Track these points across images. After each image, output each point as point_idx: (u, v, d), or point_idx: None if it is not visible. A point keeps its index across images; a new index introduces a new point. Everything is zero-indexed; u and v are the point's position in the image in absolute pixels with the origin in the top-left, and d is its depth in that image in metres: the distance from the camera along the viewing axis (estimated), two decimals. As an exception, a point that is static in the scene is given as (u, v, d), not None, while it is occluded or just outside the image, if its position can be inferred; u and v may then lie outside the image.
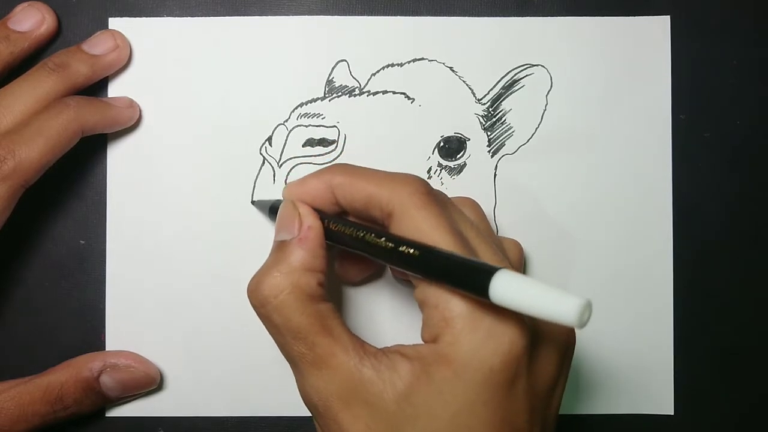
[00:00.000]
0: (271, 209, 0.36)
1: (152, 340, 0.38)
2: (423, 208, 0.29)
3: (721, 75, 0.39)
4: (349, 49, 0.39)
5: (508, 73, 0.39)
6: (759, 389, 0.39)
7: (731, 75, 0.39)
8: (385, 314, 0.38)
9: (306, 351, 0.29)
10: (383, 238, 0.29)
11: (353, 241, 0.31)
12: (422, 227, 0.29)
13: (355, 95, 0.39)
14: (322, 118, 0.38)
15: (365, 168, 0.32)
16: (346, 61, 0.39)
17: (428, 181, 0.38)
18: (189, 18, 0.39)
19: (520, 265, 0.35)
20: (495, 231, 0.38)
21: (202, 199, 0.38)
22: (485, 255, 0.30)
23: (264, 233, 0.38)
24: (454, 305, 0.27)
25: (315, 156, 0.38)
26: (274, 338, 0.31)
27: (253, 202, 0.38)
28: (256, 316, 0.38)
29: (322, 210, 0.32)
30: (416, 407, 0.28)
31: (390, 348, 0.29)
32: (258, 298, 0.30)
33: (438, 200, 0.30)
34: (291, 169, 0.38)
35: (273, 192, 0.38)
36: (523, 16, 0.39)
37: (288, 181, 0.38)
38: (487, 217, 0.38)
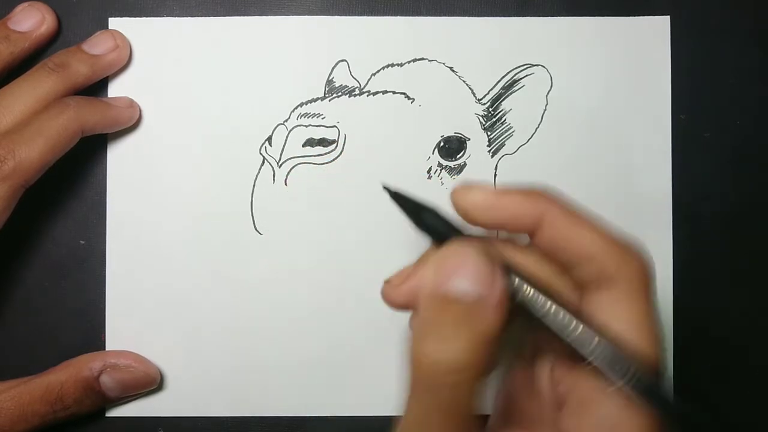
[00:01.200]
0: (421, 218, 0.28)
1: (152, 340, 0.38)
2: (649, 298, 0.25)
3: (721, 75, 0.39)
4: (349, 49, 0.39)
5: (508, 73, 0.39)
6: (759, 389, 0.39)
7: (731, 75, 0.39)
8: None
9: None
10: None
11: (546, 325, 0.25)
12: (643, 323, 0.25)
13: (355, 95, 0.39)
14: (322, 118, 0.38)
15: (586, 215, 0.26)
16: (346, 61, 0.39)
17: (428, 181, 0.38)
18: (189, 18, 0.39)
19: None
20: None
21: (202, 198, 0.38)
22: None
23: (264, 233, 0.38)
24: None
25: (315, 156, 0.38)
26: (414, 401, 0.25)
27: (392, 193, 0.29)
28: (256, 316, 0.38)
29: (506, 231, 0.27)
30: None
31: None
32: (434, 364, 0.24)
33: (654, 287, 0.26)
34: (291, 169, 0.38)
35: (273, 192, 0.38)
36: (523, 16, 0.39)
37: (288, 182, 0.38)
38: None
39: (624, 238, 0.26)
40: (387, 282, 0.28)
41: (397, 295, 0.27)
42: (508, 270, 0.26)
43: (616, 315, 0.25)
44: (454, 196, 0.27)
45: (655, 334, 0.25)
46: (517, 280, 0.25)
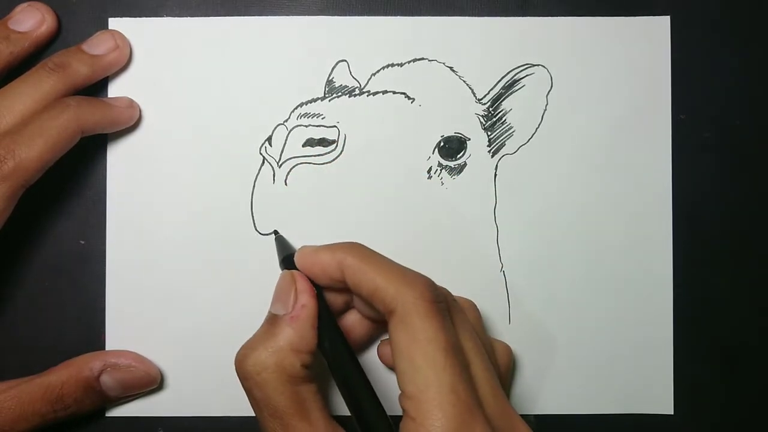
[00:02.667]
0: (285, 260, 0.35)
1: (152, 340, 0.38)
2: (424, 317, 0.29)
3: (721, 75, 0.39)
4: (349, 49, 0.39)
5: (508, 73, 0.39)
6: (759, 389, 0.39)
7: (731, 75, 0.39)
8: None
9: (280, 431, 0.30)
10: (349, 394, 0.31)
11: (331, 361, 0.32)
12: (419, 337, 0.29)
13: (355, 95, 0.39)
14: (322, 118, 0.38)
15: (379, 256, 0.32)
16: (346, 61, 0.39)
17: (428, 181, 0.38)
18: (189, 18, 0.39)
19: (508, 370, 0.36)
20: (495, 231, 0.39)
21: (202, 198, 0.38)
22: (477, 370, 0.30)
23: (264, 233, 0.38)
24: (431, 424, 0.28)
25: (315, 156, 0.38)
26: (253, 410, 0.31)
27: (276, 233, 0.37)
28: (256, 316, 0.38)
29: (328, 286, 0.33)
30: None
31: None
32: (242, 372, 0.31)
33: (441, 309, 0.30)
34: (291, 169, 0.38)
35: (273, 192, 0.38)
36: (523, 16, 0.39)
37: (288, 182, 0.38)
38: (488, 217, 0.39)
39: (408, 272, 0.31)
40: None
41: None
42: (316, 297, 0.32)
43: (400, 337, 0.29)
44: (296, 257, 0.33)
45: (442, 350, 0.29)
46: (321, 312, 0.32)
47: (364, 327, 0.36)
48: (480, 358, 0.31)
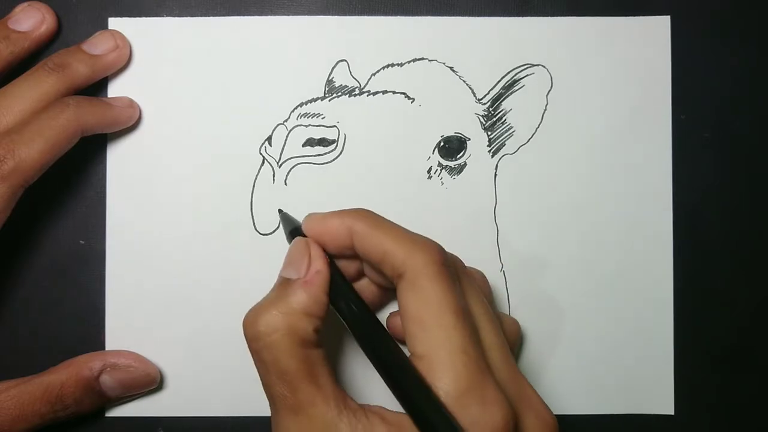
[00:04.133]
0: (292, 232, 0.34)
1: (152, 340, 0.38)
2: (434, 279, 0.29)
3: (721, 75, 0.39)
4: (349, 49, 0.39)
5: (508, 73, 0.39)
6: (759, 389, 0.39)
7: (731, 75, 0.39)
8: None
9: (288, 394, 0.29)
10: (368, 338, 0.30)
11: (346, 318, 0.31)
12: (429, 300, 0.29)
13: (355, 95, 0.39)
14: (322, 118, 0.38)
15: (387, 222, 0.31)
16: (346, 61, 0.39)
17: (428, 181, 0.38)
18: (189, 18, 0.39)
19: (515, 347, 0.36)
20: (496, 232, 0.39)
21: (202, 198, 0.38)
22: (487, 335, 0.30)
23: (264, 233, 0.38)
24: (442, 384, 0.28)
25: (315, 156, 0.38)
26: (259, 373, 0.31)
27: (280, 211, 0.36)
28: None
29: (337, 253, 0.32)
30: None
31: (372, 408, 0.29)
32: (252, 332, 0.30)
33: (451, 273, 0.30)
34: (291, 169, 0.38)
35: (273, 192, 0.38)
36: (523, 16, 0.39)
37: (288, 181, 0.38)
38: (488, 217, 0.39)
39: (415, 236, 0.31)
40: None
41: None
42: (329, 264, 0.32)
43: (409, 300, 0.29)
44: (303, 224, 0.33)
45: (452, 313, 0.29)
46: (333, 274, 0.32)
47: (375, 294, 0.35)
48: (490, 325, 0.31)
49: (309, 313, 0.30)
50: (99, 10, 0.39)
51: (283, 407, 0.29)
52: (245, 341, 0.31)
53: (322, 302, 0.31)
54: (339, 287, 0.31)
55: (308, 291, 0.30)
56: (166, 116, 0.38)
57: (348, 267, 0.33)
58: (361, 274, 0.34)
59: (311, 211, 0.38)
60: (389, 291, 0.35)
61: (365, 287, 0.35)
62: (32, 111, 0.35)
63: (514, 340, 0.35)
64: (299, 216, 0.39)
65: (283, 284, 0.31)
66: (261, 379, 0.31)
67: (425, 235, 0.31)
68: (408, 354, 0.29)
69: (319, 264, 0.31)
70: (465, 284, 0.31)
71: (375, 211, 0.32)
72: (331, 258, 0.32)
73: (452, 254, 0.32)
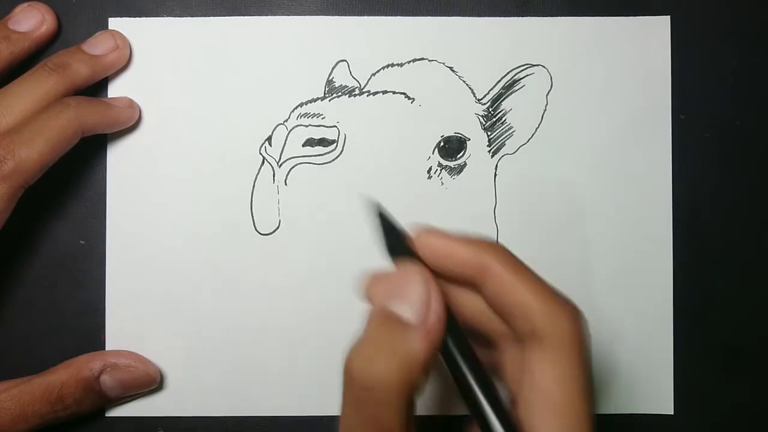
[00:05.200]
0: (397, 244, 0.29)
1: (152, 340, 0.38)
2: (578, 357, 0.26)
3: (721, 75, 0.39)
4: (349, 49, 0.39)
5: (508, 73, 0.39)
6: (759, 389, 0.39)
7: (731, 75, 0.39)
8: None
9: None
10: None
11: (456, 377, 0.27)
12: (567, 380, 0.26)
13: (355, 95, 0.39)
14: (322, 118, 0.38)
15: (526, 268, 0.27)
16: (346, 61, 0.39)
17: (428, 181, 0.38)
18: (189, 18, 0.39)
19: None
20: (496, 232, 0.39)
21: (202, 198, 0.38)
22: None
23: (264, 233, 0.38)
24: None
25: (315, 156, 0.38)
26: (347, 413, 0.26)
27: (379, 208, 0.30)
28: (256, 316, 0.38)
29: (450, 279, 0.28)
30: None
31: None
32: (363, 380, 0.26)
33: (588, 351, 0.27)
34: (291, 169, 0.38)
35: (273, 192, 0.38)
36: (523, 16, 0.39)
37: (288, 181, 0.38)
38: (488, 217, 0.39)
39: (561, 297, 0.27)
40: (362, 278, 0.29)
41: (363, 296, 0.29)
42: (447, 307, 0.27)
43: (544, 370, 0.26)
44: (416, 237, 0.28)
45: (583, 394, 0.26)
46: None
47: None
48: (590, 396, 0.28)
49: (426, 368, 0.26)
50: (99, 10, 0.39)
51: None
52: (343, 380, 0.26)
53: (436, 355, 0.27)
54: (452, 332, 0.27)
55: (429, 342, 0.26)
56: (166, 116, 0.38)
57: None
58: None
59: (311, 211, 0.38)
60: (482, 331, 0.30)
61: None
62: (32, 111, 0.35)
63: None
64: (299, 216, 0.39)
65: (396, 324, 0.26)
66: (345, 422, 0.27)
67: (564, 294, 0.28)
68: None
69: (441, 308, 0.27)
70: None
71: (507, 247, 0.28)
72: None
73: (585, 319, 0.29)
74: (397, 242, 0.29)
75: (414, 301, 0.27)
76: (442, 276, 0.28)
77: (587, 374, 0.26)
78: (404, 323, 0.26)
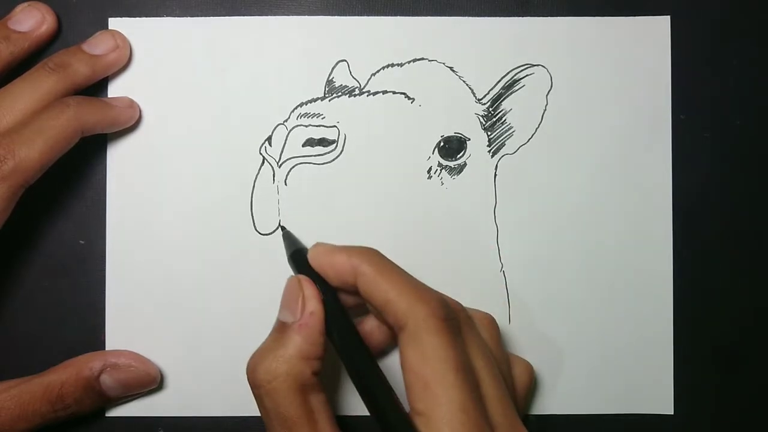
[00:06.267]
0: (293, 255, 0.35)
1: (152, 340, 0.38)
2: (435, 334, 0.29)
3: (721, 75, 0.39)
4: (349, 49, 0.39)
5: (508, 73, 0.39)
6: (759, 389, 0.39)
7: (731, 75, 0.39)
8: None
9: None
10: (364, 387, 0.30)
11: (340, 351, 0.31)
12: (430, 356, 0.29)
13: (355, 95, 0.39)
14: (322, 118, 0.38)
15: (394, 267, 0.31)
16: (346, 61, 0.39)
17: (428, 181, 0.38)
18: (189, 18, 0.39)
19: (526, 388, 0.35)
20: (495, 232, 0.38)
21: (202, 198, 0.38)
22: (488, 388, 0.30)
23: (264, 233, 0.38)
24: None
25: (315, 156, 0.38)
26: (264, 420, 0.31)
27: (283, 228, 0.37)
28: (256, 316, 0.38)
29: (341, 287, 0.32)
30: None
31: None
32: (253, 380, 0.31)
33: (452, 327, 0.30)
34: (291, 169, 0.38)
35: (273, 192, 0.38)
36: (523, 16, 0.39)
37: (288, 181, 0.38)
38: (488, 217, 0.39)
39: (420, 288, 0.31)
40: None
41: None
42: (325, 301, 0.32)
43: (408, 352, 0.29)
44: (309, 254, 0.33)
45: (449, 367, 0.29)
46: (329, 313, 0.32)
47: (383, 333, 0.35)
48: (491, 376, 0.30)
49: (306, 356, 0.30)
50: (99, 10, 0.39)
51: None
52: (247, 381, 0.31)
53: (319, 343, 0.31)
54: (335, 319, 0.32)
55: (303, 334, 0.31)
56: (166, 116, 0.38)
57: (348, 299, 0.33)
58: (366, 308, 0.34)
59: (311, 211, 0.38)
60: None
61: (374, 325, 0.35)
62: (32, 111, 0.35)
63: (524, 384, 0.35)
64: (299, 216, 0.39)
65: (280, 328, 0.32)
66: (265, 423, 0.31)
67: (427, 284, 0.31)
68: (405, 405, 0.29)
69: (313, 305, 0.31)
70: (467, 337, 0.31)
71: (380, 251, 0.32)
72: (334, 291, 0.32)
73: (455, 303, 0.32)
74: (293, 252, 0.34)
75: (292, 305, 0.31)
76: (341, 288, 0.32)
77: (453, 348, 0.29)
78: (286, 326, 0.31)
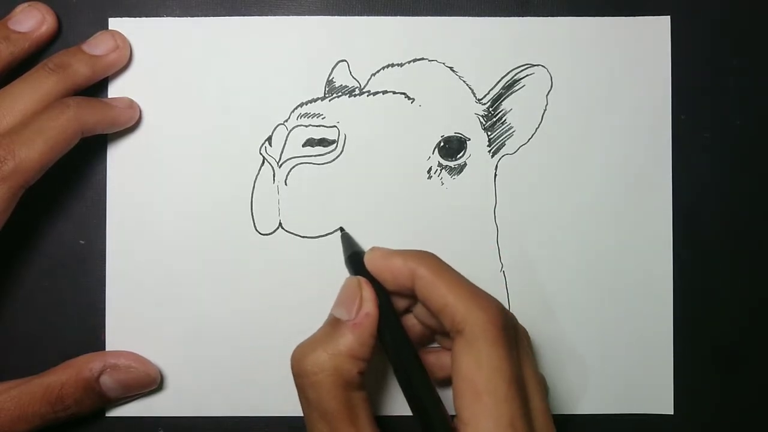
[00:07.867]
0: (352, 257, 0.35)
1: (152, 340, 0.38)
2: (493, 344, 0.29)
3: (721, 75, 0.39)
4: (349, 49, 0.39)
5: (508, 73, 0.39)
6: (759, 389, 0.39)
7: (731, 75, 0.39)
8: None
9: None
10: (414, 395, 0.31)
11: (393, 360, 0.32)
12: (485, 365, 0.29)
13: (355, 95, 0.39)
14: (322, 118, 0.38)
15: (452, 271, 0.32)
16: (346, 61, 0.39)
17: (428, 181, 0.38)
18: (189, 18, 0.39)
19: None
20: (496, 232, 0.39)
21: (202, 199, 0.38)
22: (535, 401, 0.30)
23: (264, 233, 0.38)
24: None
25: (315, 156, 0.38)
26: (303, 409, 0.31)
27: (342, 230, 0.37)
28: (256, 316, 0.38)
29: (397, 290, 0.33)
30: None
31: None
32: (299, 369, 0.31)
33: (509, 338, 0.30)
34: (291, 169, 0.38)
35: (273, 192, 0.38)
36: (523, 16, 0.39)
37: (288, 182, 0.38)
38: (488, 217, 0.39)
39: (479, 293, 0.31)
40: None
41: None
42: (379, 305, 0.32)
43: (463, 358, 0.29)
44: (366, 257, 0.33)
45: (503, 377, 0.29)
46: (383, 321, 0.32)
47: (418, 333, 0.35)
48: (538, 391, 0.31)
49: (355, 356, 0.31)
50: (99, 11, 0.39)
51: None
52: (292, 376, 0.31)
53: (369, 345, 0.31)
54: (389, 324, 0.32)
55: (356, 334, 0.31)
56: (166, 116, 0.38)
57: (399, 302, 0.34)
58: (409, 310, 0.35)
59: (311, 211, 0.38)
60: (435, 333, 0.35)
61: (411, 324, 0.35)
62: (32, 111, 0.35)
63: (545, 395, 0.35)
64: (300, 216, 0.39)
65: (333, 324, 0.32)
66: (304, 413, 0.31)
67: (486, 291, 0.31)
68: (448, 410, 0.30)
69: (369, 307, 0.32)
70: (521, 348, 0.31)
71: (437, 255, 0.32)
72: (388, 295, 0.33)
73: (510, 313, 0.32)
74: (351, 254, 0.35)
75: (348, 304, 0.32)
76: (395, 292, 0.33)
77: (509, 360, 0.29)
78: (339, 322, 0.31)
